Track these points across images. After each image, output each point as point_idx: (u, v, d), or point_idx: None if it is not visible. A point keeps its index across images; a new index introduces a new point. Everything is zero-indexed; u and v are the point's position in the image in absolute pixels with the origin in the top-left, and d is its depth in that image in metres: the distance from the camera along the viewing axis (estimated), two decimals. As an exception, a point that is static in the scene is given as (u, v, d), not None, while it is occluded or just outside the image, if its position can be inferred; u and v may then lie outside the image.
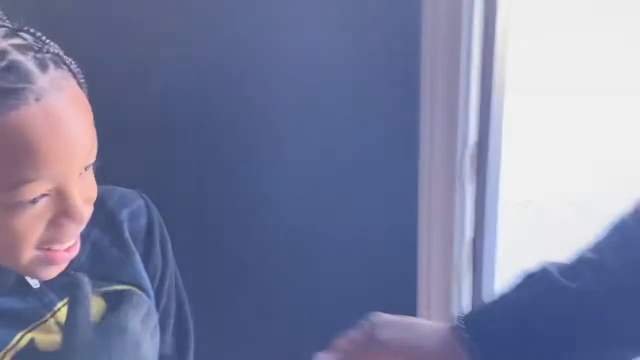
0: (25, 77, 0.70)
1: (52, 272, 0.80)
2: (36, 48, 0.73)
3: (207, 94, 1.34)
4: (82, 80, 0.77)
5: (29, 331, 0.84)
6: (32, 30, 0.74)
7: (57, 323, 0.86)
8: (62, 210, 0.74)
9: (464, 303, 1.21)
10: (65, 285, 0.87)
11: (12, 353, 0.81)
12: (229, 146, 1.36)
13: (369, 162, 1.22)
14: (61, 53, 0.75)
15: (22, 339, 0.83)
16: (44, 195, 0.73)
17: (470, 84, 1.04)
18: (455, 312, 1.19)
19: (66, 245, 0.78)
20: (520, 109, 4.02)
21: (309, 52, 1.21)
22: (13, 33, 0.73)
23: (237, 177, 1.37)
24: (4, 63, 0.69)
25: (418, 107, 1.08)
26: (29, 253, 0.75)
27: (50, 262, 0.78)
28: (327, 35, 1.18)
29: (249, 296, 1.48)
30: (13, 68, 0.69)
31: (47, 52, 0.73)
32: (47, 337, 0.85)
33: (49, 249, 0.76)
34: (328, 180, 1.28)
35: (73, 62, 0.75)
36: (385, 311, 1.20)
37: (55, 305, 0.86)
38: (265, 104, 1.28)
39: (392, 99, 1.14)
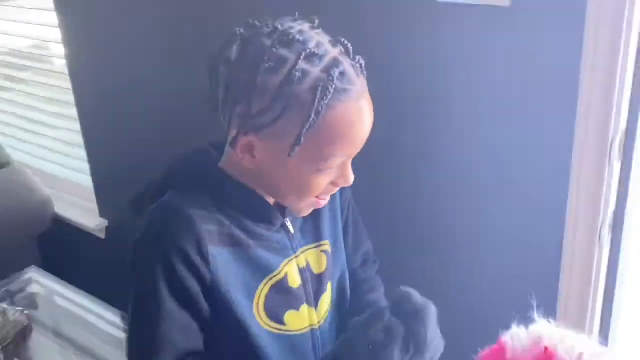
0: (351, 81, 0.89)
1: (308, 212, 1.04)
2: (350, 57, 0.91)
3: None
4: None
5: (286, 265, 1.05)
6: (343, 41, 0.92)
7: (298, 265, 1.07)
8: (341, 175, 0.97)
9: (604, 264, 1.39)
10: (301, 238, 1.10)
11: (274, 281, 1.03)
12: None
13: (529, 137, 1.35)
14: (363, 62, 0.93)
15: (282, 269, 1.04)
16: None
17: (624, 83, 1.21)
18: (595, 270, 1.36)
19: (328, 197, 1.03)
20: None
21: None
22: (335, 42, 0.90)
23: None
24: (340, 69, 0.87)
25: (576, 102, 1.24)
26: (311, 200, 1.00)
27: (315, 205, 1.02)
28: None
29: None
30: (345, 73, 0.88)
31: (356, 60, 0.92)
32: (293, 275, 1.06)
33: (317, 197, 1.00)
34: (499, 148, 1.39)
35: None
36: (529, 266, 1.31)
37: (298, 249, 1.08)
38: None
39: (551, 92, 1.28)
